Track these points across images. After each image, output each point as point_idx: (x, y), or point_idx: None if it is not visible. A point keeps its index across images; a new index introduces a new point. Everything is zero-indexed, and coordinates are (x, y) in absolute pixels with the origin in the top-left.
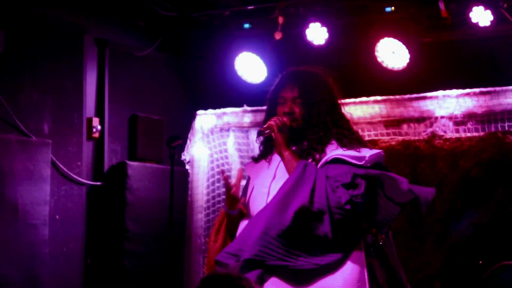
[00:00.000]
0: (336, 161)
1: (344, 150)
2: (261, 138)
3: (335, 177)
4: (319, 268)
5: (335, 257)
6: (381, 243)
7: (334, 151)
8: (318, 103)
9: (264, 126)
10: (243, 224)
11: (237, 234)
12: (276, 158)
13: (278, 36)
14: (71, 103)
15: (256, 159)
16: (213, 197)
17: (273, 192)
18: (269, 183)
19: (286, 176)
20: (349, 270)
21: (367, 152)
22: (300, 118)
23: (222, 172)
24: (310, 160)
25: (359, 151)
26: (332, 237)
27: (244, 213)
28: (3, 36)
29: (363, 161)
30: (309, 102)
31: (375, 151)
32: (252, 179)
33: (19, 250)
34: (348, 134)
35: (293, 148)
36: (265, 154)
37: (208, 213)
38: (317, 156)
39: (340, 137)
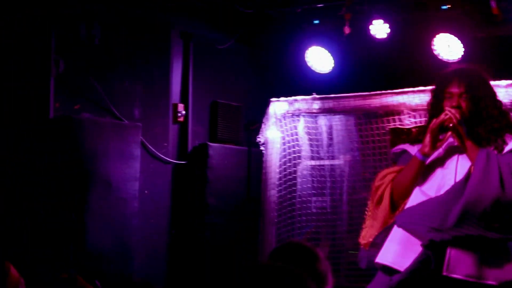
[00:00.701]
0: None
1: None
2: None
3: None
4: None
5: None
6: None
7: None
8: (484, 98)
9: (446, 118)
10: (418, 196)
11: (423, 206)
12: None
13: (347, 30)
14: (159, 90)
15: (413, 142)
16: (285, 175)
17: (460, 171)
18: (454, 164)
19: (468, 159)
20: None
21: None
22: (467, 112)
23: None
24: (491, 148)
25: None
26: None
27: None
28: (99, 30)
29: None
30: (476, 97)
31: None
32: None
33: (112, 221)
34: None
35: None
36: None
37: (280, 189)
38: (498, 145)
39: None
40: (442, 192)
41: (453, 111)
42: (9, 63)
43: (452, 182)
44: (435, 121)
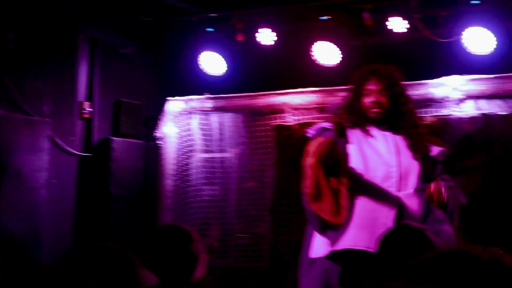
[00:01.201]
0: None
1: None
2: (354, 109)
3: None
4: None
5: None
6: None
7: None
8: (400, 94)
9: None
10: (365, 185)
11: None
12: (379, 132)
13: (240, 38)
14: (66, 90)
15: (349, 127)
16: (180, 167)
17: (403, 161)
18: (394, 157)
19: (407, 152)
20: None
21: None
22: (387, 107)
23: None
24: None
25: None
26: None
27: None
28: (12, 35)
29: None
30: (394, 93)
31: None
32: (356, 143)
33: (23, 208)
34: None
35: (387, 131)
36: (357, 124)
37: (176, 179)
38: (423, 150)
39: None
40: (387, 182)
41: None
42: None
43: (394, 172)
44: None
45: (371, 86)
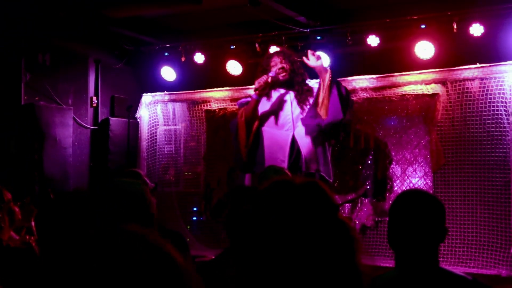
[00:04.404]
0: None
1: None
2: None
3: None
4: None
5: None
6: None
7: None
8: (296, 63)
9: (259, 85)
10: (267, 131)
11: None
12: (278, 92)
13: (183, 59)
14: (82, 90)
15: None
16: (150, 134)
17: (294, 111)
18: (289, 108)
19: (297, 103)
20: None
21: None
22: (288, 71)
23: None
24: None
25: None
26: None
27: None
28: (49, 56)
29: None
30: (291, 62)
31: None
32: (265, 103)
33: (58, 159)
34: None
35: (286, 90)
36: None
37: (148, 141)
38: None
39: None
40: (284, 127)
41: (261, 81)
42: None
43: (290, 119)
44: (259, 84)
45: (276, 59)
